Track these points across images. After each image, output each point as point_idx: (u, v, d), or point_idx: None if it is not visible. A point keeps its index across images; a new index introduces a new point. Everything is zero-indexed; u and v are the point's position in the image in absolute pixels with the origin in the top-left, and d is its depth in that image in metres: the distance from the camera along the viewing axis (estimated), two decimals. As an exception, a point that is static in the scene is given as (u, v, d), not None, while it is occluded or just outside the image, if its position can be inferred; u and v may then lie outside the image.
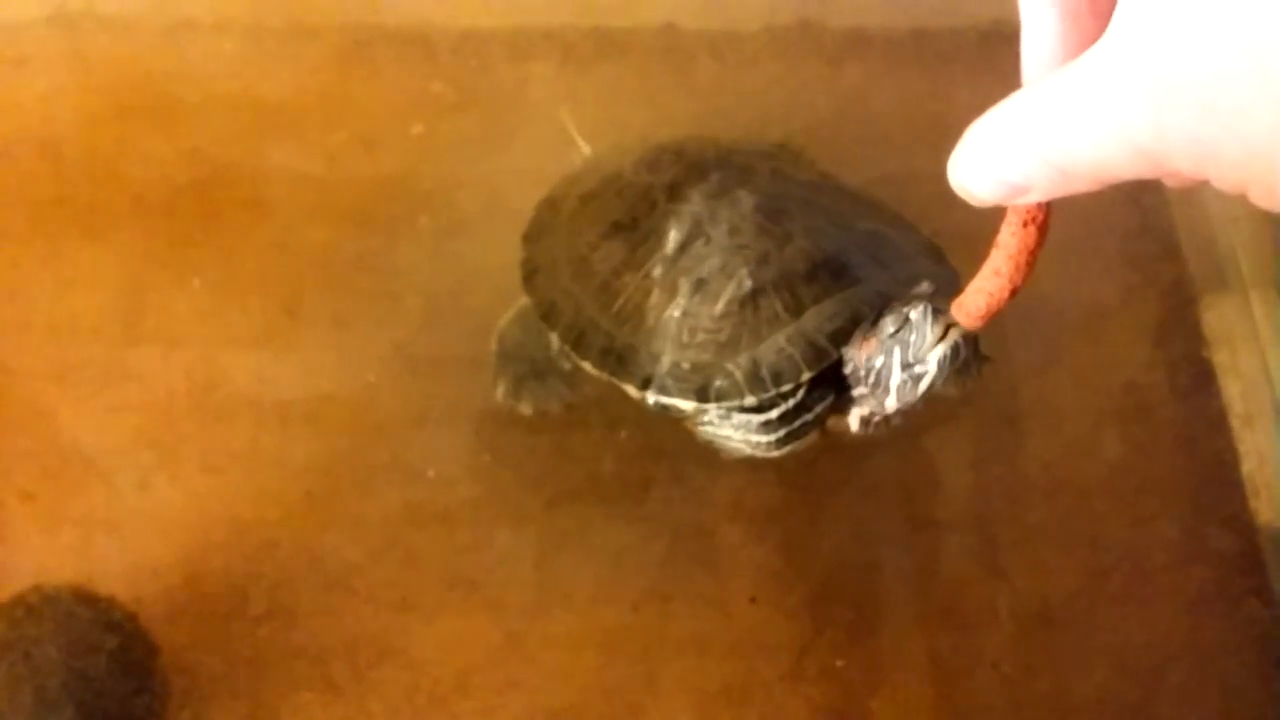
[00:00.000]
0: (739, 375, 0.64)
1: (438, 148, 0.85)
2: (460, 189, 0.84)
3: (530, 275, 0.72)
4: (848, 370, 0.64)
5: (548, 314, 0.70)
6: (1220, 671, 0.72)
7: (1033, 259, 0.39)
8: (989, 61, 0.86)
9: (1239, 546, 0.76)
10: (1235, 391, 0.80)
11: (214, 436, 0.76)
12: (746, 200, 0.67)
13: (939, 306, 0.58)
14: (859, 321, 0.63)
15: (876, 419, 0.65)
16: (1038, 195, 0.33)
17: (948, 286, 0.65)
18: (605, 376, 0.67)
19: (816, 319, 0.64)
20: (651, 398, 0.66)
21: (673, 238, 0.67)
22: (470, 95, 0.87)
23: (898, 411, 0.63)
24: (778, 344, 0.64)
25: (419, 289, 0.80)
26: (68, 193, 0.82)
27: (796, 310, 0.64)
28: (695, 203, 0.68)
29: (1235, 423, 0.79)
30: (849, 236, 0.68)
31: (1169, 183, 0.34)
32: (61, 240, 0.81)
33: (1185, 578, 0.75)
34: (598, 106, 0.88)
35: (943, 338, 0.58)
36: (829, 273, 0.65)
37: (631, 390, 0.67)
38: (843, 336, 0.63)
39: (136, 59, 0.87)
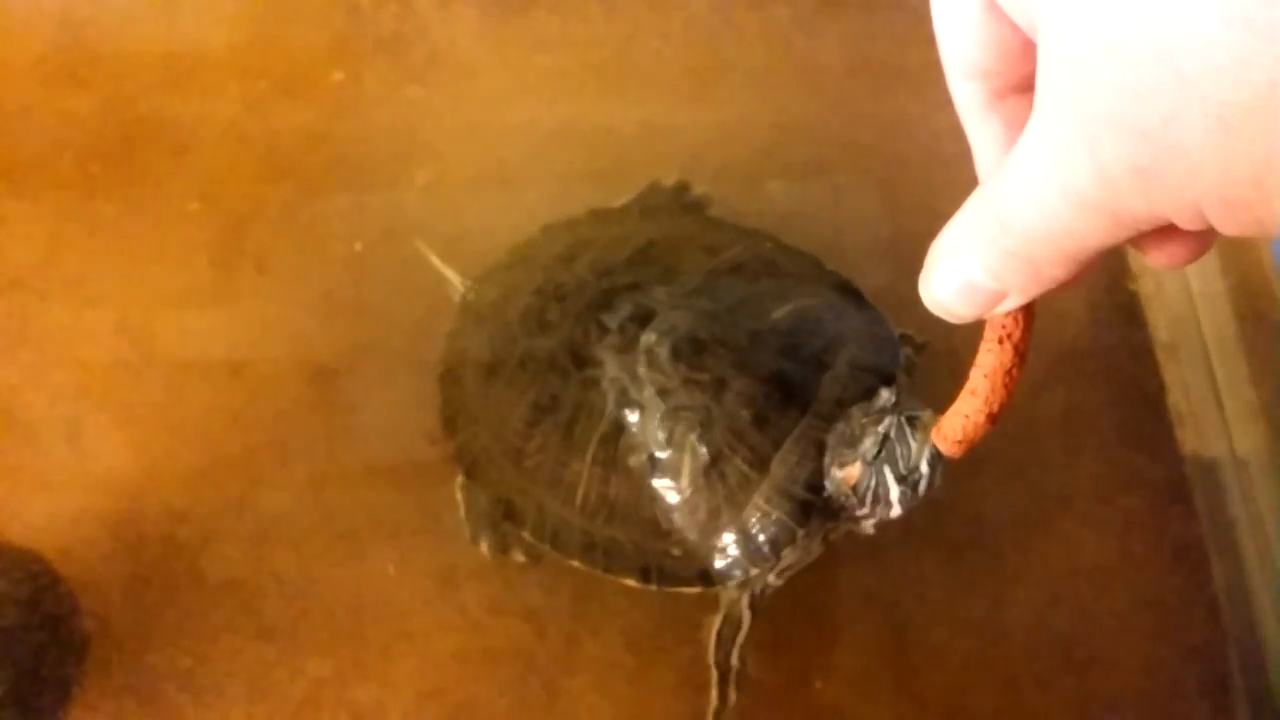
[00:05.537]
0: (735, 552, 0.62)
1: (359, 94, 0.85)
2: (382, 135, 0.83)
3: (470, 468, 0.68)
4: (839, 500, 0.61)
5: (510, 513, 0.67)
6: (1151, 596, 0.73)
7: (1010, 380, 0.36)
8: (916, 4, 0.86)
9: (1166, 475, 0.77)
10: (1160, 322, 0.81)
11: (139, 389, 0.75)
12: (660, 351, 0.63)
13: (910, 413, 0.57)
14: (824, 451, 0.61)
15: (889, 519, 0.62)
16: (1016, 296, 0.31)
17: (877, 345, 0.65)
18: (597, 572, 0.65)
19: (785, 467, 0.61)
20: (655, 587, 0.63)
21: (604, 417, 0.63)
22: (391, 40, 0.86)
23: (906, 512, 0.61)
24: (759, 508, 0.61)
25: (343, 237, 0.80)
26: (-18, 147, 0.81)
27: (761, 463, 0.61)
28: (609, 365, 0.64)
29: (1160, 353, 0.80)
30: (774, 344, 0.64)
31: (1153, 260, 0.32)
32: (-23, 195, 0.80)
33: (1114, 506, 0.76)
34: (523, 51, 0.87)
35: (926, 439, 0.56)
36: (775, 409, 0.62)
37: (632, 583, 0.64)
38: (817, 478, 0.61)
39: (51, 12, 0.85)
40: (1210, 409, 0.78)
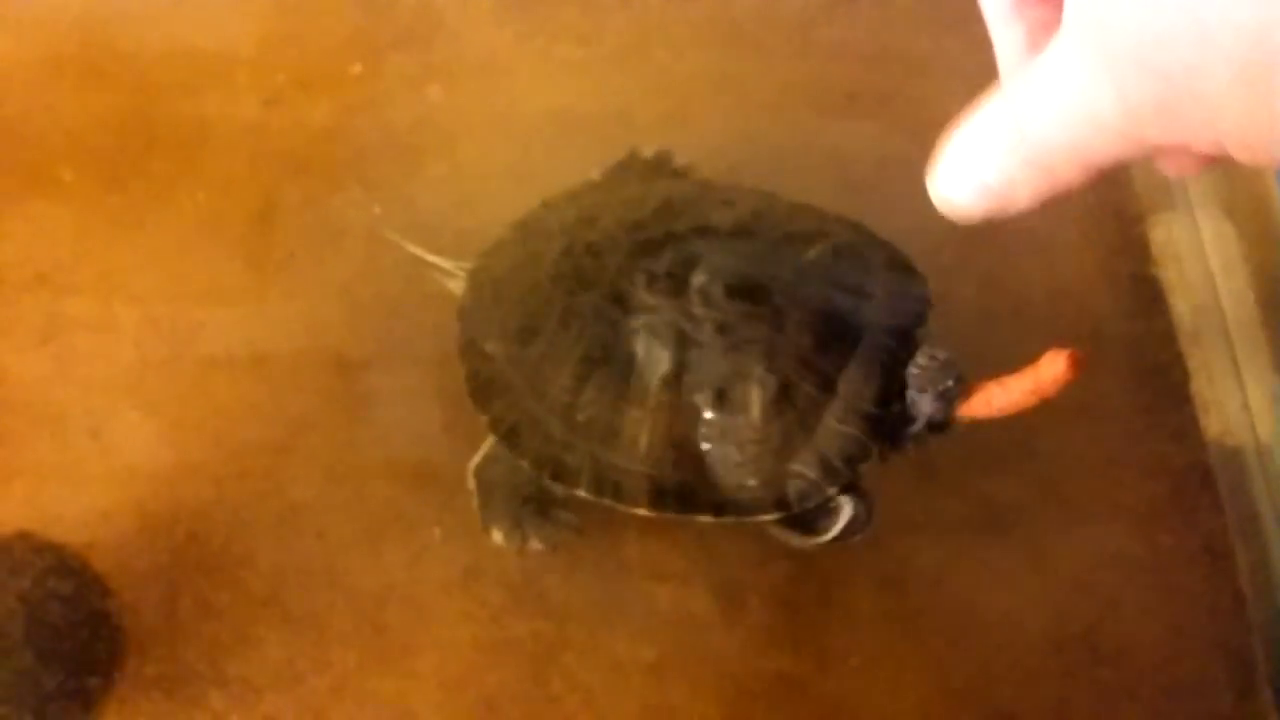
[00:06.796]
0: (812, 474, 0.62)
1: (378, 87, 0.85)
2: (401, 128, 0.83)
3: (510, 435, 0.66)
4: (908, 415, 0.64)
5: (559, 473, 0.65)
6: (1176, 585, 0.73)
7: (1024, 409, 0.43)
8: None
9: (1190, 461, 0.76)
10: (1184, 309, 0.81)
11: (165, 384, 0.75)
12: (714, 290, 0.62)
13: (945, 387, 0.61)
14: (888, 371, 0.62)
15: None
16: (1025, 200, 0.32)
17: (904, 271, 0.67)
18: (670, 517, 0.64)
19: (853, 386, 0.62)
20: (731, 520, 0.63)
21: (665, 359, 0.63)
22: (409, 33, 0.86)
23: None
24: (831, 428, 0.62)
25: (362, 231, 0.80)
26: (5, 145, 0.81)
27: (829, 386, 0.62)
28: (663, 310, 0.63)
29: (1184, 340, 0.80)
30: (818, 276, 0.65)
31: (1164, 168, 0.34)
32: (0, 193, 0.80)
33: (1137, 494, 0.75)
34: (542, 42, 0.87)
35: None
36: (832, 334, 0.63)
37: (705, 519, 0.63)
38: (884, 394, 0.62)
39: (71, 10, 0.86)
40: (1234, 396, 0.78)
